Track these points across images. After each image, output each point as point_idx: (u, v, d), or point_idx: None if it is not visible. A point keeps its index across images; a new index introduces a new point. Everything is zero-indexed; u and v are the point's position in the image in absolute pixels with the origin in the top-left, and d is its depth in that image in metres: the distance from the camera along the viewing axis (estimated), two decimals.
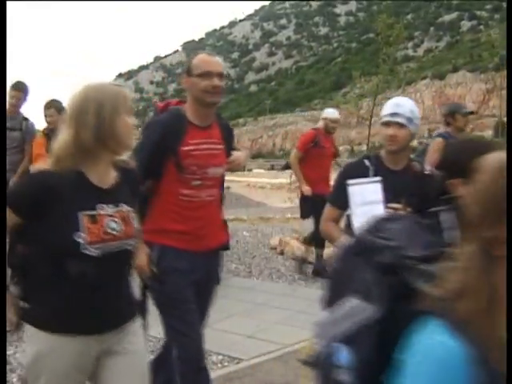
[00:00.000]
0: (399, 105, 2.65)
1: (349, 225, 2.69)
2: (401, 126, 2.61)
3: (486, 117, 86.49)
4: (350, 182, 2.63)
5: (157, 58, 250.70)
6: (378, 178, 2.61)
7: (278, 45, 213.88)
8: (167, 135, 2.56)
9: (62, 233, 1.78)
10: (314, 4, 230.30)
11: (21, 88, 5.78)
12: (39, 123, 6.01)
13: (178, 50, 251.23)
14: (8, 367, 3.57)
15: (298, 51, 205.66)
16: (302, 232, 8.83)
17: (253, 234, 8.97)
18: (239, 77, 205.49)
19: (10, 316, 2.00)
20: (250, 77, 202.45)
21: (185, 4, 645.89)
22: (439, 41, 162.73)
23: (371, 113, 8.14)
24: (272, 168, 53.05)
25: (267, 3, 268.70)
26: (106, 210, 1.85)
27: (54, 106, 5.48)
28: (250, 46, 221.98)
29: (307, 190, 6.29)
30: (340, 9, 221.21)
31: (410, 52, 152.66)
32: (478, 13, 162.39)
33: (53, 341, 1.85)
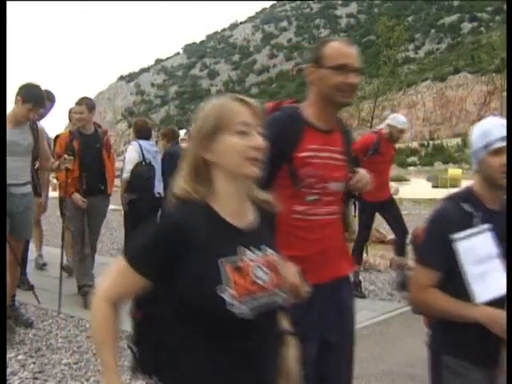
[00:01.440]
0: (503, 125, 2.08)
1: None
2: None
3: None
4: (457, 236, 2.01)
5: (158, 61, 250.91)
6: (486, 226, 2.03)
7: (278, 47, 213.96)
8: (281, 136, 2.06)
9: (201, 288, 1.39)
10: (315, 6, 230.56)
11: (50, 98, 5.65)
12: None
13: (179, 53, 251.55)
14: (9, 370, 3.57)
15: (299, 53, 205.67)
16: None
17: None
18: (240, 79, 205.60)
19: None
20: (251, 79, 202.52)
21: (186, 6, 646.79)
22: (440, 43, 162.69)
23: (372, 114, 8.12)
24: None
25: (268, 5, 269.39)
26: (249, 254, 1.47)
27: (85, 103, 5.29)
28: (251, 49, 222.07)
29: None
30: (341, 11, 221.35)
31: (411, 54, 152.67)
32: (479, 15, 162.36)
33: None
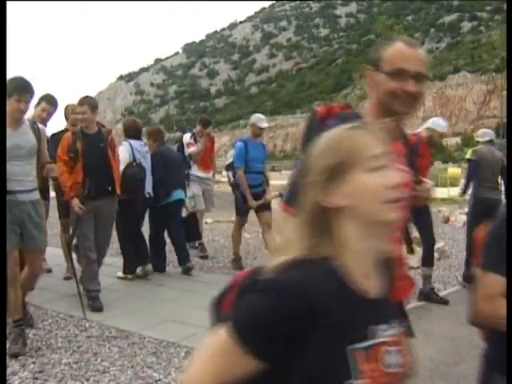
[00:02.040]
0: None
1: None
2: None
3: (487, 118, 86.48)
4: None
5: (157, 60, 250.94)
6: None
7: (278, 46, 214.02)
8: None
9: (325, 382, 1.07)
10: (314, 5, 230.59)
11: (53, 102, 5.52)
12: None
13: (178, 52, 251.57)
14: (9, 370, 3.57)
15: (299, 53, 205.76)
16: None
17: (254, 236, 8.97)
18: (240, 79, 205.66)
19: None
20: (251, 79, 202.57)
21: (185, 6, 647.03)
22: (440, 42, 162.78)
23: None
24: (273, 169, 52.96)
25: (267, 5, 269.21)
26: (379, 334, 1.13)
27: (87, 103, 5.06)
28: (251, 48, 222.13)
29: None
30: (340, 10, 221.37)
31: None
32: (479, 14, 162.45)
33: None
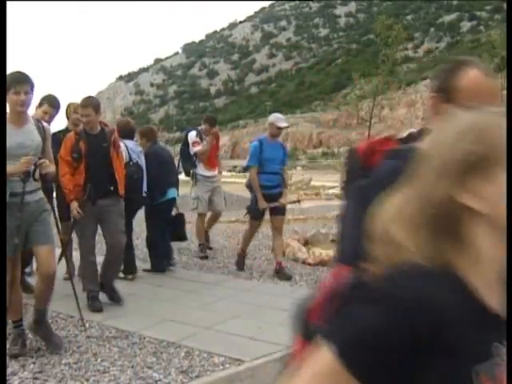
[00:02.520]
0: None
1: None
2: None
3: None
4: None
5: (157, 60, 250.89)
6: None
7: (278, 46, 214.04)
8: None
9: None
10: (314, 5, 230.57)
11: (55, 104, 5.42)
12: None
13: (178, 52, 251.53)
14: (9, 370, 3.57)
15: (298, 53, 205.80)
16: (302, 233, 8.83)
17: (254, 235, 8.95)
18: (239, 79, 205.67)
19: None
20: (251, 78, 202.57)
21: (185, 6, 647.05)
22: (439, 41, 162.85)
23: (371, 114, 8.12)
24: None
25: (267, 5, 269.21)
26: (503, 353, 0.93)
27: (91, 105, 4.95)
28: (250, 48, 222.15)
29: None
30: (340, 10, 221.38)
31: (410, 53, 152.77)
32: (478, 13, 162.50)
33: None
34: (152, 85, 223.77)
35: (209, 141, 7.26)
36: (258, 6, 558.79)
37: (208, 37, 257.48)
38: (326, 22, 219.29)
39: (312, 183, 30.12)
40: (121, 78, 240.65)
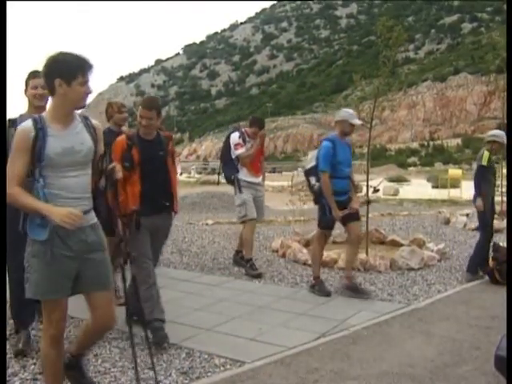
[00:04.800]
0: None
1: None
2: None
3: (488, 119, 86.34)
4: None
5: (158, 61, 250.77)
6: None
7: (279, 47, 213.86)
8: None
9: None
10: (315, 7, 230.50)
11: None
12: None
13: (179, 53, 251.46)
14: (9, 371, 3.57)
15: (299, 54, 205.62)
16: (303, 235, 8.82)
17: (254, 236, 8.96)
18: (240, 80, 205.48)
19: None
20: (251, 80, 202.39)
21: (186, 7, 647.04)
22: (440, 43, 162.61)
23: (372, 115, 8.12)
24: (273, 171, 52.90)
25: (268, 6, 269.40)
26: None
27: (155, 107, 4.26)
28: (251, 49, 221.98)
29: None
30: (341, 11, 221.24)
31: (411, 54, 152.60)
32: (479, 15, 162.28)
33: None
34: (153, 86, 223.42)
35: (255, 144, 6.70)
36: (258, 7, 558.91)
37: (209, 38, 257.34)
38: (326, 24, 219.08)
39: None
40: (122, 78, 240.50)
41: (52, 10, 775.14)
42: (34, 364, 3.73)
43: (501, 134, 6.73)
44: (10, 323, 4.10)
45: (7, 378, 3.42)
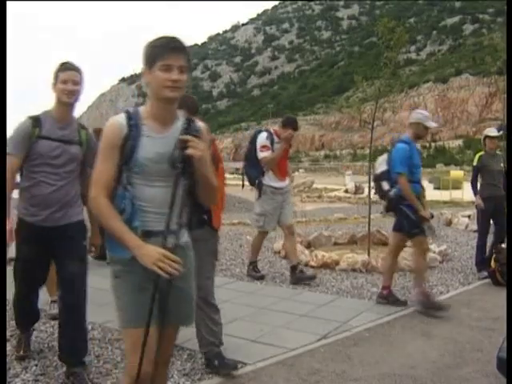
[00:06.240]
0: None
1: None
2: None
3: (489, 120, 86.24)
4: None
5: None
6: None
7: (280, 49, 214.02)
8: None
9: None
10: (317, 8, 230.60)
11: (75, 69, 3.39)
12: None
13: None
14: (11, 372, 3.57)
15: (301, 55, 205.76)
16: (305, 236, 8.82)
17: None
18: (242, 81, 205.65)
19: None
20: (253, 81, 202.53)
21: (187, 8, 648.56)
22: (442, 44, 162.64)
23: (373, 116, 8.12)
24: None
25: (270, 7, 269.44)
26: None
27: (185, 105, 2.86)
28: (253, 50, 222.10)
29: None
30: (342, 13, 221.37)
31: (413, 56, 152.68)
32: (481, 16, 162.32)
33: None
34: None
35: (280, 148, 6.21)
36: (260, 8, 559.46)
37: (210, 39, 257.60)
38: (328, 25, 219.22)
39: (314, 185, 30.13)
40: (123, 80, 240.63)
41: (52, 10, 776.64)
42: (36, 365, 3.72)
43: (489, 129, 7.17)
44: (12, 324, 4.10)
45: (9, 380, 3.42)
